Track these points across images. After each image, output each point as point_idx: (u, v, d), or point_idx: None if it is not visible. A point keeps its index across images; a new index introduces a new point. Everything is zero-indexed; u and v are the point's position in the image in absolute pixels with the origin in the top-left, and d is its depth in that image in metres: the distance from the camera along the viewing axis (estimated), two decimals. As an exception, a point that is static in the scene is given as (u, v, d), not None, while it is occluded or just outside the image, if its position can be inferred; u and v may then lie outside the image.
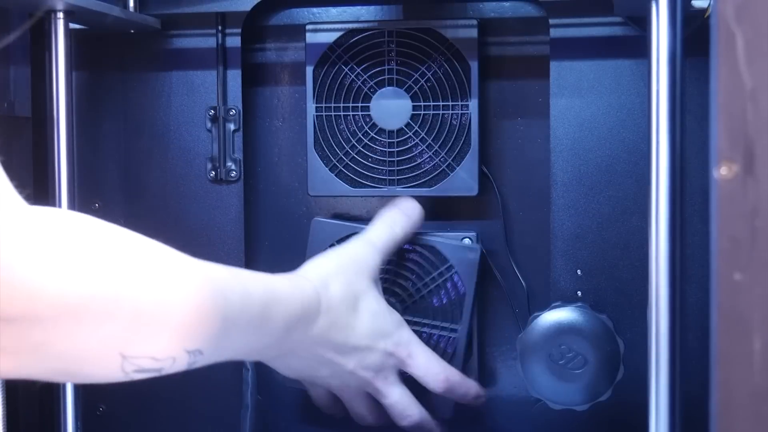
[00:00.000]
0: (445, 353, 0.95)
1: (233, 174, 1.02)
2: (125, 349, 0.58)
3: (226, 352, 0.69)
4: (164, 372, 0.61)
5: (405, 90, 0.98)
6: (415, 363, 0.88)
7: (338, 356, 0.82)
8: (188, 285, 0.62)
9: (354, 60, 0.99)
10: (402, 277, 0.97)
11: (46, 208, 0.57)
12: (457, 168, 0.98)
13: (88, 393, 1.01)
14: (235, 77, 1.02)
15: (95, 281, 0.55)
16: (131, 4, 0.98)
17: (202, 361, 0.64)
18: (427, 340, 0.95)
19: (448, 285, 0.96)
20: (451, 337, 0.95)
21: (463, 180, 0.98)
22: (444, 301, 0.96)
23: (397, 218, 0.93)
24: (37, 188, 1.06)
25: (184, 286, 0.61)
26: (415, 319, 0.96)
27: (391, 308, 0.88)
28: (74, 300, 0.54)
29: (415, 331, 0.95)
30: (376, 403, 0.90)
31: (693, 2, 0.78)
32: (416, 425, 0.90)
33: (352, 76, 0.99)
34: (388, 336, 0.87)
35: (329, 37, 0.99)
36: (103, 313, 0.55)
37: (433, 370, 0.89)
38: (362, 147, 0.99)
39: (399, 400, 0.88)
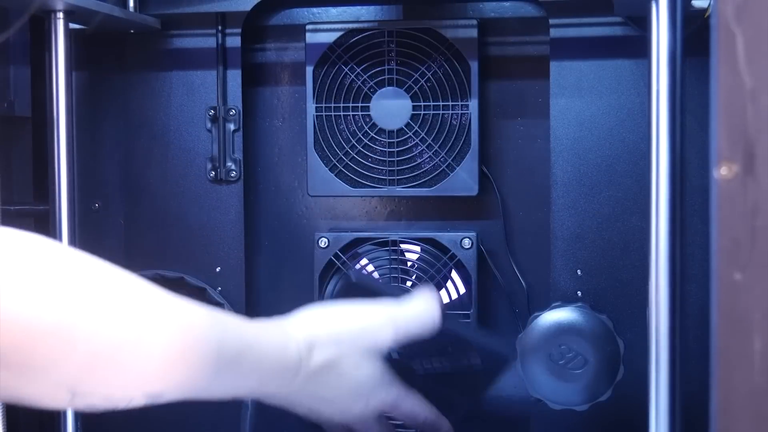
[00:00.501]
0: None
1: (233, 174, 1.02)
2: (76, 387, 0.55)
3: (190, 394, 0.64)
4: (119, 408, 0.58)
5: (405, 90, 0.98)
6: (401, 413, 0.83)
7: (319, 407, 0.79)
8: (154, 329, 0.58)
9: (354, 60, 0.99)
10: (407, 273, 0.98)
11: (5, 230, 0.53)
12: (457, 168, 0.98)
13: (88, 393, 1.01)
14: (235, 77, 1.02)
15: (53, 316, 0.52)
16: (131, 4, 0.98)
17: (164, 400, 0.61)
18: None
19: (452, 276, 0.96)
20: (467, 323, 0.96)
21: (463, 180, 0.98)
22: (451, 293, 0.97)
23: (431, 307, 0.81)
24: (37, 188, 1.06)
25: (150, 331, 0.57)
26: None
27: (383, 374, 0.79)
28: (28, 334, 0.50)
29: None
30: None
31: (693, 2, 0.78)
32: (429, 424, 0.87)
33: (352, 76, 0.99)
34: (375, 397, 0.80)
35: (329, 37, 0.99)
36: (58, 351, 0.52)
37: (414, 415, 0.83)
38: (362, 147, 0.99)
39: (407, 411, 0.84)
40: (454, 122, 0.98)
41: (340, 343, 0.76)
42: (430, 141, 0.98)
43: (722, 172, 0.49)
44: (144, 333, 0.56)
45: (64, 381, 0.54)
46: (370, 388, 0.80)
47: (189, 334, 0.60)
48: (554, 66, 0.95)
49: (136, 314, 0.57)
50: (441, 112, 0.98)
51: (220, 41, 1.01)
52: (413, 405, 0.83)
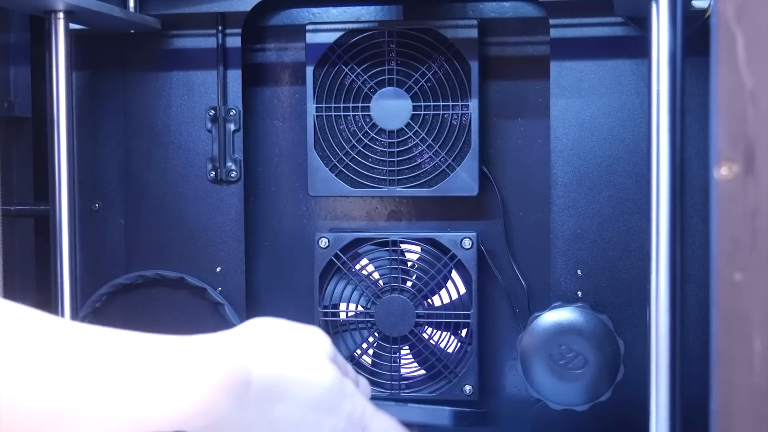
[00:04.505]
0: (462, 345, 0.95)
1: (233, 174, 1.02)
2: None
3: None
4: None
5: (405, 90, 0.98)
6: None
7: None
8: (73, 377, 0.54)
9: (354, 60, 0.99)
10: (407, 273, 0.98)
11: None
12: (457, 168, 0.98)
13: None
14: (235, 77, 1.02)
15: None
16: (131, 4, 0.98)
17: None
18: (445, 330, 0.95)
19: (452, 276, 0.96)
20: (467, 323, 0.97)
21: (463, 180, 0.98)
22: (451, 293, 0.97)
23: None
24: (37, 188, 1.06)
25: (67, 379, 0.53)
26: (428, 312, 0.97)
27: (344, 380, 0.73)
28: None
29: (431, 324, 0.96)
30: None
31: (693, 2, 0.78)
32: None
33: (352, 76, 0.99)
34: (340, 411, 0.73)
35: (329, 37, 0.99)
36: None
37: None
38: (362, 147, 0.99)
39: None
40: (455, 122, 0.98)
41: (292, 345, 0.71)
42: (430, 141, 0.98)
43: (722, 172, 0.49)
44: (67, 379, 0.53)
45: None
46: (339, 397, 0.72)
47: (134, 369, 0.57)
48: (554, 66, 0.95)
49: (57, 358, 0.54)
50: (441, 112, 0.98)
51: (220, 41, 1.01)
52: (387, 427, 0.75)
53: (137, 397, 0.57)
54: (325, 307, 1.00)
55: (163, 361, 0.60)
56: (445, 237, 0.99)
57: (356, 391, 0.73)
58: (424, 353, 0.99)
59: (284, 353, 0.69)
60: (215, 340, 0.66)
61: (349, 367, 0.76)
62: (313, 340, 0.72)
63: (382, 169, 0.99)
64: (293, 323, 0.72)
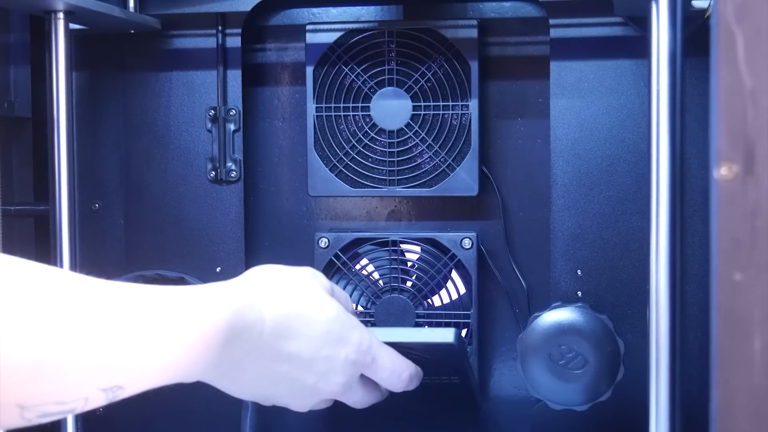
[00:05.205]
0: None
1: (233, 174, 1.02)
2: (24, 400, 0.51)
3: (153, 381, 0.60)
4: (77, 411, 0.55)
5: (405, 90, 0.98)
6: (380, 366, 0.78)
7: (297, 371, 0.72)
8: (102, 321, 0.55)
9: (354, 60, 0.99)
10: (407, 273, 0.98)
11: None
12: (457, 168, 0.98)
13: (88, 393, 1.01)
14: (235, 77, 1.02)
15: None
16: (131, 4, 0.98)
17: (126, 394, 0.57)
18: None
19: (452, 276, 0.96)
20: (467, 323, 0.96)
21: (463, 180, 0.98)
22: (451, 293, 0.96)
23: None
24: (37, 188, 1.06)
25: (98, 323, 0.54)
26: (428, 312, 0.97)
27: (347, 312, 0.76)
28: None
29: (431, 324, 0.96)
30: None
31: (693, 2, 0.78)
32: (410, 379, 0.81)
33: (352, 76, 0.99)
34: (348, 342, 0.75)
35: (329, 38, 0.99)
36: None
37: (397, 370, 0.79)
38: (362, 147, 0.99)
39: (361, 398, 0.80)
40: (454, 122, 0.98)
41: (294, 279, 0.74)
42: (430, 141, 0.98)
43: (722, 172, 0.49)
44: (91, 328, 0.54)
45: (10, 396, 0.50)
46: (346, 328, 0.75)
47: (141, 323, 0.57)
48: (554, 66, 0.95)
49: (80, 308, 0.54)
50: (441, 112, 0.98)
51: (220, 41, 1.01)
52: (393, 357, 0.78)
53: (164, 341, 0.59)
54: (325, 307, 1.00)
55: (181, 304, 0.61)
56: (445, 237, 0.99)
57: (360, 324, 0.76)
58: (424, 353, 0.99)
59: (288, 294, 0.72)
60: (227, 285, 0.69)
61: (348, 299, 0.80)
62: (309, 278, 0.76)
63: (382, 169, 0.99)
64: (288, 267, 0.76)
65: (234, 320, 0.65)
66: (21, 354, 0.50)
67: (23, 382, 0.51)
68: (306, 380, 0.73)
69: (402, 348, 0.79)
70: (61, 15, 0.91)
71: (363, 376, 0.78)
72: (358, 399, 0.79)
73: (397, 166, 0.99)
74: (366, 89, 0.99)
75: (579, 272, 0.95)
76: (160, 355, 0.58)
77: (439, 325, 0.98)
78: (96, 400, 0.55)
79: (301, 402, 0.76)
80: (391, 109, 0.98)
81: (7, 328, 0.50)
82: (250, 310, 0.68)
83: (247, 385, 0.72)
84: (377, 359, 0.77)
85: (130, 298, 0.58)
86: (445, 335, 0.80)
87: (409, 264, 1.00)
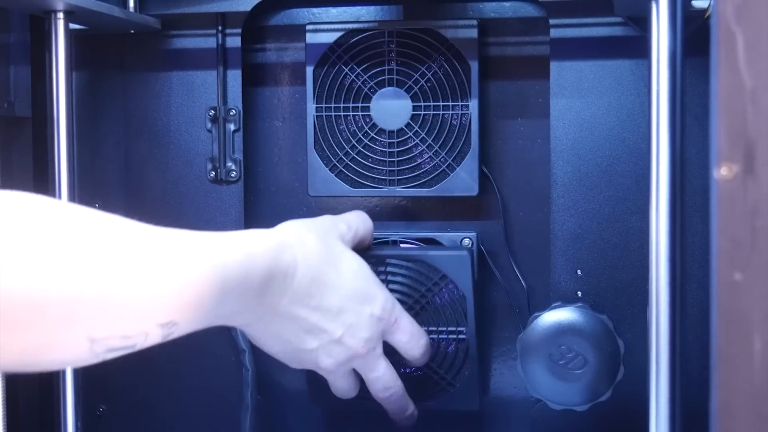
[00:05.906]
0: (457, 356, 0.94)
1: (233, 174, 1.02)
2: (93, 332, 0.55)
3: (203, 319, 0.65)
4: (138, 348, 0.59)
5: (405, 90, 0.98)
6: (401, 328, 0.83)
7: (325, 320, 0.76)
8: (160, 261, 0.59)
9: (354, 60, 0.99)
10: (399, 293, 0.93)
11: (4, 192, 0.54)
12: (457, 168, 0.98)
13: (88, 393, 1.01)
14: (235, 77, 1.02)
15: (57, 272, 0.52)
16: (131, 4, 0.98)
17: (178, 332, 0.62)
18: (437, 345, 0.93)
19: (445, 293, 0.94)
20: (460, 338, 0.94)
21: (463, 180, 0.98)
22: (446, 308, 0.94)
23: (362, 217, 0.90)
24: (37, 188, 1.06)
25: (156, 262, 0.59)
26: (428, 312, 0.97)
27: (369, 268, 0.81)
28: (35, 294, 0.51)
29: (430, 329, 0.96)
30: (358, 377, 0.86)
31: (693, 2, 0.78)
32: (398, 398, 0.86)
33: (352, 76, 0.99)
34: (375, 299, 0.80)
35: (329, 38, 0.99)
36: (68, 302, 0.53)
37: (417, 334, 0.84)
38: (362, 147, 0.99)
39: (384, 373, 0.84)
40: (454, 122, 0.98)
41: (321, 232, 0.80)
42: (430, 141, 0.98)
43: (722, 172, 0.49)
44: (151, 265, 0.58)
45: (80, 330, 0.55)
46: (372, 285, 0.80)
47: (194, 261, 0.62)
48: (554, 66, 0.95)
49: (140, 249, 0.59)
50: (441, 112, 0.98)
51: (220, 41, 1.01)
52: (413, 322, 0.84)
53: (212, 278, 0.64)
54: (325, 307, 1.00)
55: (224, 244, 0.67)
56: (445, 237, 0.99)
57: (382, 284, 0.82)
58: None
59: (316, 242, 0.78)
60: (262, 231, 0.75)
61: (365, 235, 0.87)
62: (329, 230, 0.82)
63: (382, 169, 0.99)
64: (309, 220, 0.83)
65: (272, 260, 0.71)
66: (89, 288, 0.54)
67: (92, 315, 0.54)
68: (334, 332, 0.77)
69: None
70: (61, 15, 0.91)
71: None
72: (343, 385, 0.82)
73: (397, 166, 0.99)
74: (366, 89, 0.99)
75: (579, 272, 0.95)
76: (208, 292, 0.63)
77: (442, 333, 0.98)
78: (154, 335, 0.59)
79: (327, 359, 0.79)
80: (391, 109, 0.98)
81: (75, 266, 0.54)
82: (286, 252, 0.73)
83: (278, 332, 0.76)
84: (399, 321, 0.82)
85: (178, 240, 0.63)
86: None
87: (404, 280, 0.96)
